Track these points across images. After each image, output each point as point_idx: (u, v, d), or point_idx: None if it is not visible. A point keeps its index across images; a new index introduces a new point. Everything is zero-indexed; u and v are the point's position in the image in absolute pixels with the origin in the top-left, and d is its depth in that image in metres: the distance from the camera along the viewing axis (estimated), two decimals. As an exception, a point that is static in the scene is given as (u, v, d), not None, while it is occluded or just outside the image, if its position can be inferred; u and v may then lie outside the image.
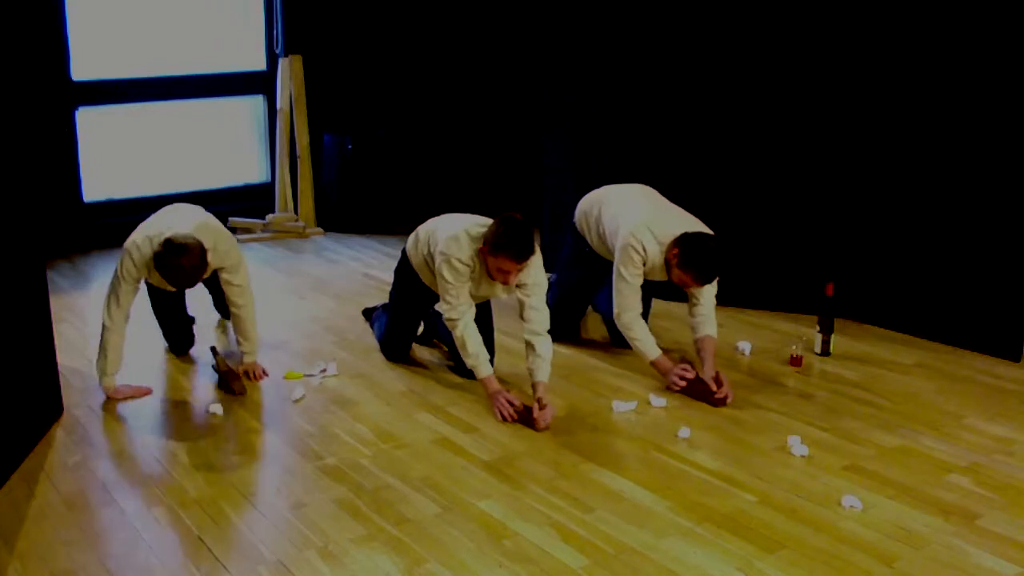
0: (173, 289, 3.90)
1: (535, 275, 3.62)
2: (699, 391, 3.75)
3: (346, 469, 3.16)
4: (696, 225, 3.85)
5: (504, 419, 3.51)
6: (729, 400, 3.70)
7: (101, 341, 3.67)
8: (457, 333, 3.61)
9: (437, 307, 3.74)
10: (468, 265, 3.58)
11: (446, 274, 3.58)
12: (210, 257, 3.65)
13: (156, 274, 3.66)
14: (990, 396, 3.84)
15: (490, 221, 3.62)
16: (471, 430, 3.48)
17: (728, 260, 3.77)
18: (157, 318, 4.20)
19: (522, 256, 3.45)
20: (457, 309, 3.60)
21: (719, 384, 3.71)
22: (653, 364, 3.85)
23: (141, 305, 4.53)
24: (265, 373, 3.89)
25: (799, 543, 2.75)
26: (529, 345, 3.61)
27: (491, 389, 3.60)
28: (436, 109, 6.91)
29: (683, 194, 4.51)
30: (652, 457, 3.28)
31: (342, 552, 2.68)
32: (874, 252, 4.60)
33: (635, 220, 3.85)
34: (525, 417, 3.50)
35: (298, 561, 2.63)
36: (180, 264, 3.51)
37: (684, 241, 3.69)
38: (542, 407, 3.47)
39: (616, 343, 4.29)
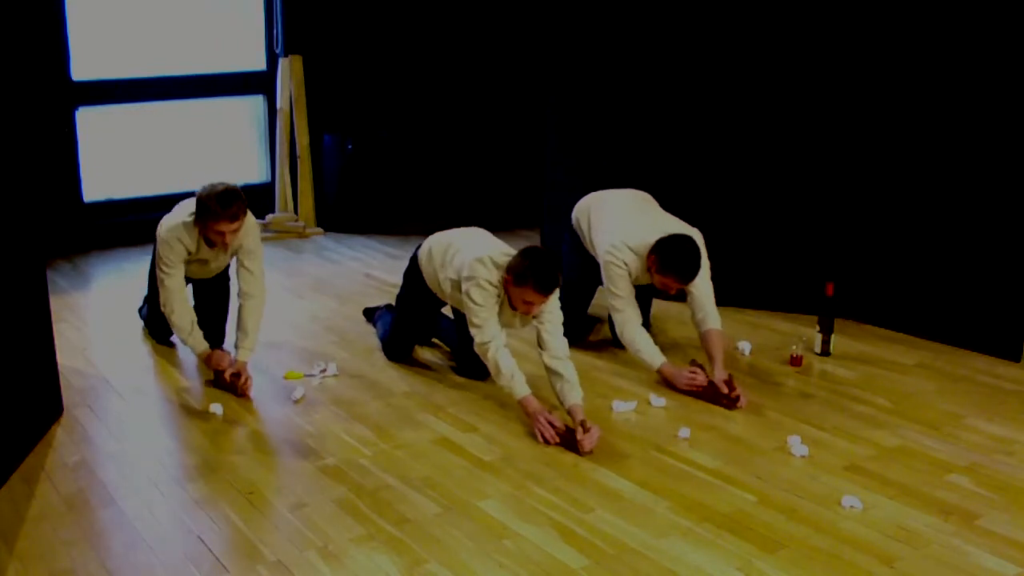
0: (209, 259, 3.91)
1: (552, 304, 3.56)
2: (710, 394, 3.73)
3: (346, 469, 3.16)
4: (673, 228, 3.87)
5: (546, 442, 3.36)
6: (742, 404, 3.65)
7: (173, 324, 3.79)
8: (489, 355, 3.49)
9: (444, 310, 3.71)
10: (496, 288, 3.52)
11: (476, 296, 3.50)
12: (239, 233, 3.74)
13: (198, 241, 3.75)
14: (990, 396, 3.84)
15: (505, 245, 3.63)
16: (471, 430, 3.48)
17: (701, 253, 3.80)
18: (149, 300, 4.19)
19: (548, 289, 3.41)
20: (487, 332, 3.50)
21: (731, 387, 3.67)
22: (659, 372, 3.84)
23: (132, 301, 4.55)
24: (250, 387, 3.75)
25: (799, 543, 2.75)
26: (553, 372, 3.49)
27: (531, 409, 3.44)
28: (437, 110, 6.91)
29: (684, 195, 4.52)
30: (652, 457, 3.28)
31: (342, 552, 2.68)
32: (874, 252, 4.60)
33: (611, 238, 3.91)
34: (567, 439, 3.37)
35: (298, 561, 2.63)
36: (231, 189, 3.59)
37: (658, 247, 3.74)
38: (586, 430, 3.32)
39: (617, 343, 4.29)
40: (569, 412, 3.44)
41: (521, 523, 2.84)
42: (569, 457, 3.27)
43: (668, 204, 4.20)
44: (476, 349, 3.55)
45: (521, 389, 3.47)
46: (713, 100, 4.70)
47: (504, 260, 3.53)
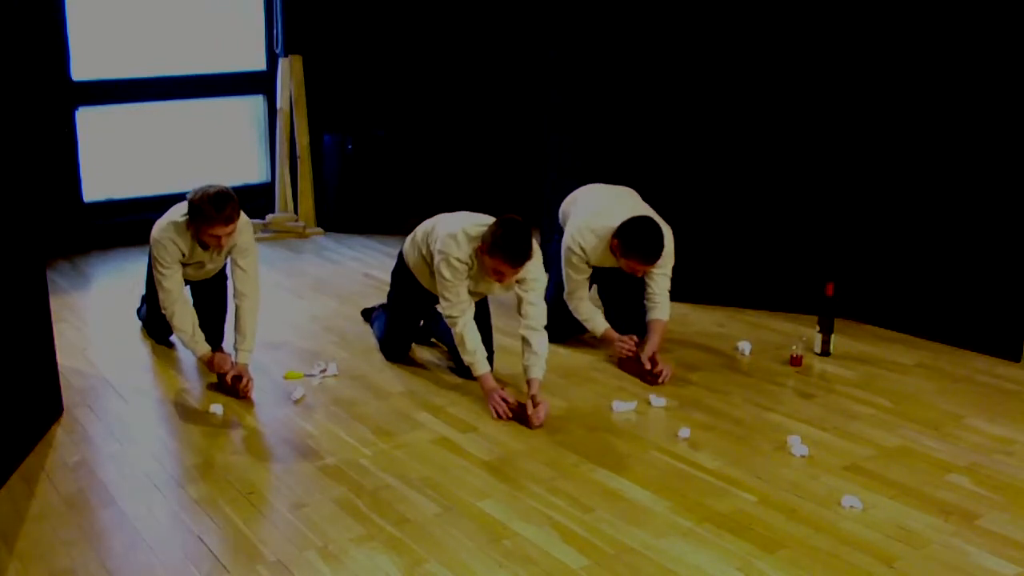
0: (204, 261, 3.90)
1: (534, 271, 3.62)
2: (637, 369, 3.95)
3: (346, 469, 3.16)
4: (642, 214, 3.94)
5: (499, 416, 3.54)
6: (663, 379, 3.87)
7: (174, 326, 3.76)
8: (457, 330, 3.63)
9: (437, 307, 3.75)
10: (466, 264, 3.59)
11: (445, 272, 3.59)
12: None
13: (192, 243, 3.74)
14: (990, 396, 3.84)
15: (489, 219, 3.63)
16: (470, 430, 3.48)
17: (663, 236, 3.86)
18: (147, 300, 4.22)
19: (517, 260, 3.47)
20: (457, 307, 3.63)
21: (654, 363, 3.89)
22: (603, 337, 4.10)
23: (132, 301, 4.56)
24: (251, 389, 3.72)
25: (799, 543, 2.75)
26: (525, 341, 3.62)
27: (487, 386, 3.62)
28: (436, 109, 6.91)
29: (684, 195, 4.52)
30: (652, 457, 3.28)
31: (342, 552, 2.68)
32: (874, 252, 4.60)
33: (578, 223, 4.03)
34: (520, 415, 3.52)
35: (298, 561, 2.63)
36: (224, 191, 3.58)
37: (621, 229, 3.84)
38: (536, 404, 3.49)
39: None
40: (527, 384, 3.59)
41: (521, 523, 2.84)
42: (569, 457, 3.27)
43: (668, 205, 4.21)
44: (446, 320, 3.69)
45: (482, 366, 3.63)
46: (713, 101, 4.70)
47: (479, 232, 3.59)
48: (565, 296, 4.09)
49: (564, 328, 4.23)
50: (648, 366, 3.91)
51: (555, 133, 5.30)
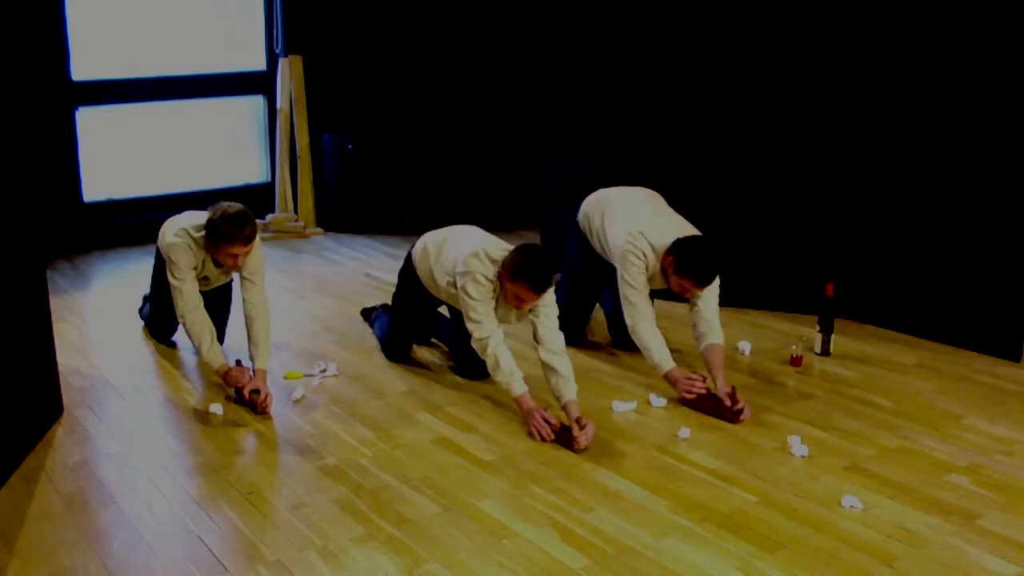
0: (218, 273, 3.91)
1: (547, 298, 3.56)
2: (713, 406, 3.63)
3: (346, 469, 3.16)
4: (690, 231, 3.84)
5: (542, 439, 3.38)
6: (745, 417, 3.55)
7: (191, 335, 3.71)
8: (489, 351, 3.49)
9: (441, 310, 3.71)
10: (492, 281, 3.52)
11: (471, 290, 3.51)
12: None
13: (204, 259, 3.76)
14: (990, 396, 3.84)
15: (501, 241, 3.64)
16: (471, 430, 3.48)
17: (723, 259, 3.75)
18: (153, 299, 4.23)
19: (542, 287, 3.42)
20: (485, 327, 3.50)
21: (734, 400, 3.57)
22: (666, 376, 3.74)
23: (132, 301, 4.56)
24: (270, 404, 3.61)
25: (799, 543, 2.75)
26: (548, 367, 3.49)
27: (526, 407, 3.46)
28: (437, 110, 6.91)
29: (684, 195, 4.51)
30: (652, 457, 3.29)
31: (342, 552, 2.68)
32: (874, 252, 4.61)
33: (630, 229, 3.84)
34: (562, 436, 3.38)
35: (298, 561, 2.63)
36: (243, 211, 3.58)
37: (677, 247, 3.68)
38: (582, 426, 3.34)
39: (617, 345, 4.29)
40: (564, 408, 3.45)
41: (521, 523, 2.84)
42: (569, 457, 3.27)
43: (669, 204, 4.20)
44: (474, 344, 3.54)
45: (518, 386, 3.48)
46: (713, 101, 4.70)
47: (499, 255, 3.54)
48: (629, 328, 3.82)
49: (572, 329, 4.21)
50: (728, 403, 3.57)
51: (555, 134, 5.31)
